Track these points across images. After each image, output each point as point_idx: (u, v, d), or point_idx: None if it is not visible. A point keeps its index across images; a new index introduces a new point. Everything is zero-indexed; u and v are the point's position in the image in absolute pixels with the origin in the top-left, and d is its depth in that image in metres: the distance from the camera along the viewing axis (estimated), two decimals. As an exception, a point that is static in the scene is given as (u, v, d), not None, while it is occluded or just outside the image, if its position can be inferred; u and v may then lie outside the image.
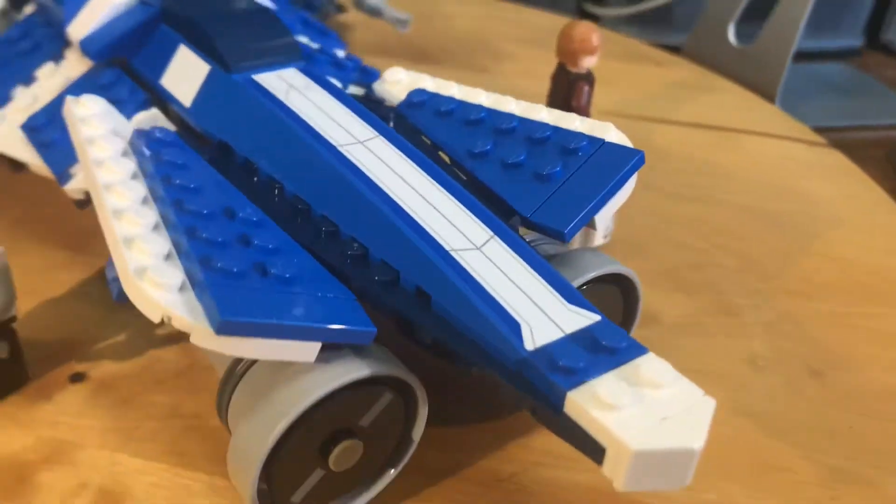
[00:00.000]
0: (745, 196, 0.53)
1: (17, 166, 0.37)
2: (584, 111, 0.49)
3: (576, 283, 0.31)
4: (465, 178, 0.33)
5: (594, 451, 0.23)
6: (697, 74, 0.70)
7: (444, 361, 0.28)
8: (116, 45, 0.38)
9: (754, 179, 0.55)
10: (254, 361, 0.27)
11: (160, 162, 0.30)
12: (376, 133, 0.32)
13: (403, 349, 0.28)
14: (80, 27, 0.39)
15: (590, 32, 0.48)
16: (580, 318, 0.26)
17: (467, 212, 0.29)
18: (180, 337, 0.35)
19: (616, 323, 0.26)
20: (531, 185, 0.32)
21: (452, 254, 0.27)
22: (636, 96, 0.66)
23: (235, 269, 0.25)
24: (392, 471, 0.30)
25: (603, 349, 0.25)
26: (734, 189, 0.54)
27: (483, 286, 0.26)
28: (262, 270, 0.26)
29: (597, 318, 0.26)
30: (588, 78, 0.49)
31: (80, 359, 0.36)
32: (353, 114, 0.33)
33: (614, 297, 0.34)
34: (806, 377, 0.38)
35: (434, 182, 0.30)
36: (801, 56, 0.75)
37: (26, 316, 0.37)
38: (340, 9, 0.58)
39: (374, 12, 0.55)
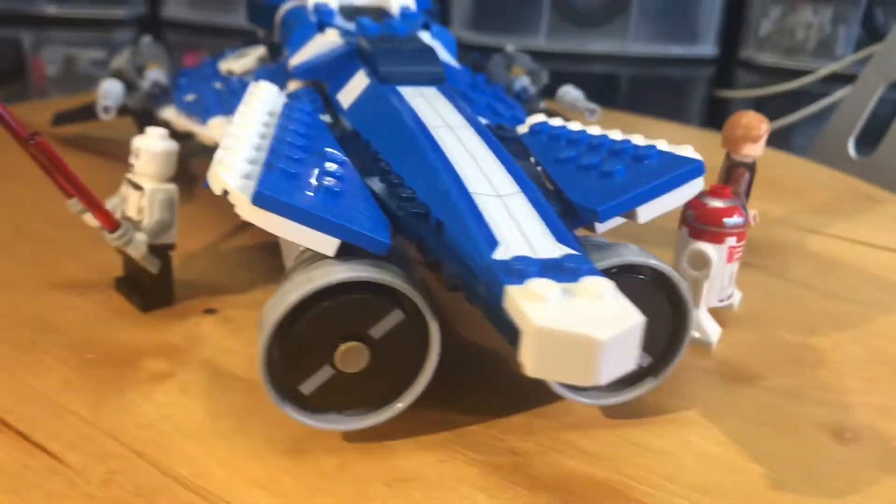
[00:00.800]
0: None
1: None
2: (740, 199, 0.49)
3: (603, 265, 0.32)
4: (550, 185, 0.37)
5: (515, 337, 0.25)
6: None
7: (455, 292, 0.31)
8: (314, 69, 0.47)
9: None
10: (304, 261, 0.32)
11: (289, 116, 0.37)
12: (467, 124, 0.37)
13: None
14: (297, 59, 0.49)
15: (757, 122, 0.50)
16: (558, 250, 0.28)
17: (506, 173, 0.33)
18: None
19: (664, 330, 0.30)
20: (593, 181, 0.34)
21: (473, 196, 0.31)
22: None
23: (293, 171, 0.31)
24: (400, 404, 0.32)
25: (561, 268, 0.26)
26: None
27: (485, 218, 0.29)
28: (316, 182, 0.31)
29: (575, 253, 0.28)
30: (749, 166, 0.50)
31: (216, 298, 0.43)
32: (455, 111, 0.38)
33: (661, 305, 0.34)
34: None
35: (492, 153, 0.34)
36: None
37: (186, 257, 0.45)
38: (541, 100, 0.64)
39: (572, 105, 0.60)
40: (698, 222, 0.42)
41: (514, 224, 0.29)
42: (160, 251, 0.41)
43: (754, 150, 0.49)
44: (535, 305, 0.24)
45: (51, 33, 1.03)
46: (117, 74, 0.59)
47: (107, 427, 0.33)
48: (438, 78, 0.43)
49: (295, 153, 0.33)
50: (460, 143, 0.35)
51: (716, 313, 0.44)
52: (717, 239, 0.42)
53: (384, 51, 0.43)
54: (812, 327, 0.44)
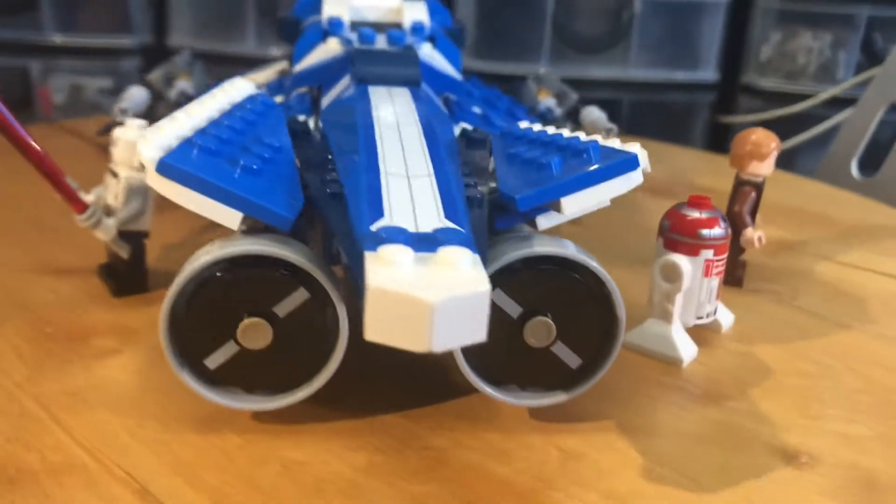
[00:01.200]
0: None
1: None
2: (741, 218, 0.47)
3: (515, 255, 0.31)
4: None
5: (364, 296, 0.24)
6: None
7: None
8: (310, 76, 0.48)
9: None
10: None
11: (242, 107, 0.38)
12: (417, 120, 0.37)
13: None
14: (298, 67, 0.50)
15: (766, 139, 0.47)
16: (440, 224, 0.27)
17: (428, 160, 0.32)
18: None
19: (596, 332, 0.31)
20: (528, 173, 0.33)
21: (381, 174, 0.30)
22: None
23: (212, 148, 0.32)
24: (308, 388, 0.32)
25: (429, 240, 0.25)
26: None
27: (381, 193, 0.29)
28: (235, 160, 0.32)
29: (453, 227, 0.27)
30: (756, 185, 0.47)
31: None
32: (413, 109, 0.38)
33: (591, 305, 0.32)
34: None
35: (425, 144, 0.34)
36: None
37: (169, 248, 0.46)
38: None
39: (593, 125, 0.59)
40: (673, 232, 0.40)
41: (410, 201, 0.29)
42: (133, 238, 0.42)
43: (761, 169, 0.47)
44: (379, 268, 0.24)
45: (58, 62, 1.07)
46: (147, 83, 0.62)
47: (35, 392, 0.34)
48: (413, 79, 0.43)
49: (224, 134, 0.33)
50: (399, 135, 0.35)
51: (698, 333, 0.41)
52: (692, 251, 0.39)
53: (364, 53, 0.44)
54: (805, 354, 0.41)
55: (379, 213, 0.27)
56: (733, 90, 1.13)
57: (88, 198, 0.41)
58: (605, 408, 0.35)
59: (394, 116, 0.37)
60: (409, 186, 0.30)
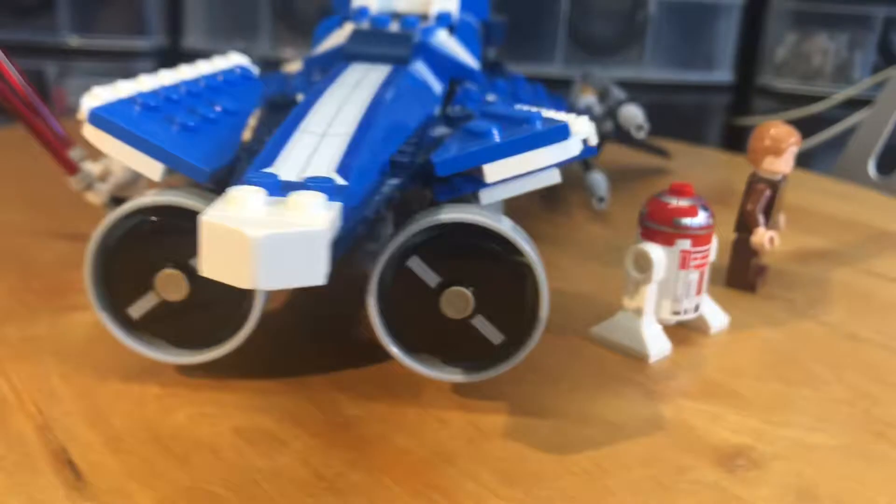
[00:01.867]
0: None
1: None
2: (752, 217, 0.44)
3: (428, 221, 0.30)
4: None
5: None
6: None
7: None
8: (321, 58, 0.48)
9: None
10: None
11: (213, 76, 0.39)
12: (372, 87, 0.36)
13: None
14: (315, 52, 0.51)
15: (786, 134, 0.44)
16: (317, 175, 0.27)
17: (355, 121, 0.32)
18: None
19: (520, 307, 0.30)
20: (467, 142, 0.32)
21: (297, 131, 0.30)
22: None
23: (152, 104, 0.32)
24: (228, 344, 0.32)
25: (292, 186, 0.25)
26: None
27: (285, 147, 0.29)
28: (173, 117, 0.32)
29: (328, 177, 0.26)
30: (771, 183, 0.44)
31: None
32: (384, 77, 0.38)
33: (515, 280, 0.31)
34: None
35: (366, 108, 0.33)
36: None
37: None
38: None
39: (625, 122, 0.57)
40: (649, 220, 0.38)
41: (309, 155, 0.28)
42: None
43: (777, 165, 0.44)
44: (219, 204, 0.24)
45: (74, 64, 1.08)
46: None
47: (-9, 335, 0.36)
48: (400, 58, 0.42)
49: (175, 94, 0.34)
50: (344, 101, 0.35)
51: (681, 331, 0.39)
52: (667, 240, 0.37)
53: (359, 33, 0.44)
54: (796, 362, 0.38)
55: (267, 164, 0.27)
56: (749, 92, 1.12)
57: (90, 165, 0.43)
58: (543, 392, 0.34)
59: (351, 87, 0.36)
60: (317, 143, 0.30)
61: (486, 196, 0.33)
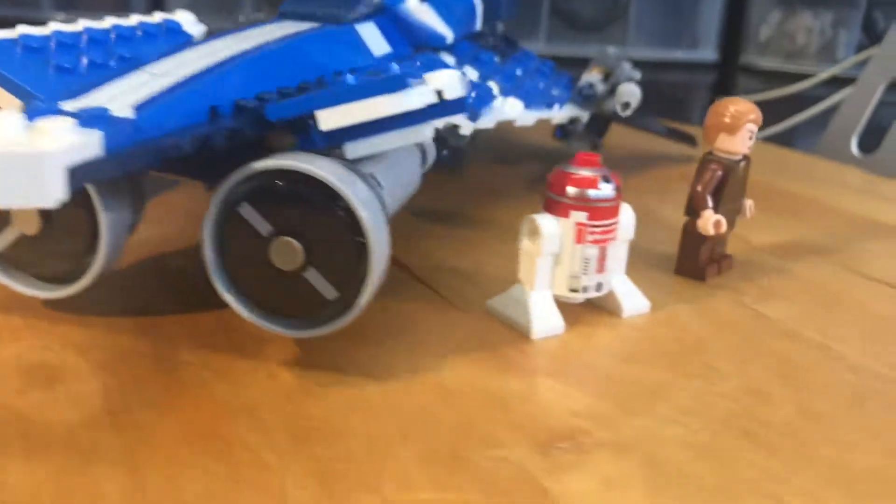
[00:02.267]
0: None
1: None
2: (700, 199, 0.40)
3: (259, 167, 0.29)
4: None
5: None
6: None
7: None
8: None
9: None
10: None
11: (136, 27, 0.39)
12: (263, 40, 0.36)
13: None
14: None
15: (743, 112, 0.40)
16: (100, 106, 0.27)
17: (206, 68, 0.32)
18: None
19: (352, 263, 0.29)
20: (329, 89, 0.32)
21: (134, 72, 0.31)
22: None
23: (34, 46, 0.33)
24: (80, 281, 0.32)
25: (62, 113, 0.25)
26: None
27: (104, 83, 0.29)
28: (54, 60, 0.33)
29: (94, 107, 0.26)
30: (724, 164, 0.40)
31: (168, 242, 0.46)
32: (293, 32, 0.38)
33: (347, 234, 0.30)
34: None
35: (232, 56, 0.33)
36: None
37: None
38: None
39: (618, 97, 0.55)
40: (549, 190, 0.35)
41: (123, 91, 0.29)
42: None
43: (731, 144, 0.41)
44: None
45: None
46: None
47: None
48: (331, 19, 0.42)
49: (69, 40, 0.35)
50: (221, 47, 0.35)
51: (588, 311, 0.37)
52: (560, 211, 0.35)
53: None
54: (700, 357, 0.34)
55: (76, 95, 0.28)
56: (733, 70, 1.10)
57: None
58: (391, 357, 0.32)
59: (243, 38, 0.36)
60: (145, 82, 0.30)
61: (350, 150, 0.32)
